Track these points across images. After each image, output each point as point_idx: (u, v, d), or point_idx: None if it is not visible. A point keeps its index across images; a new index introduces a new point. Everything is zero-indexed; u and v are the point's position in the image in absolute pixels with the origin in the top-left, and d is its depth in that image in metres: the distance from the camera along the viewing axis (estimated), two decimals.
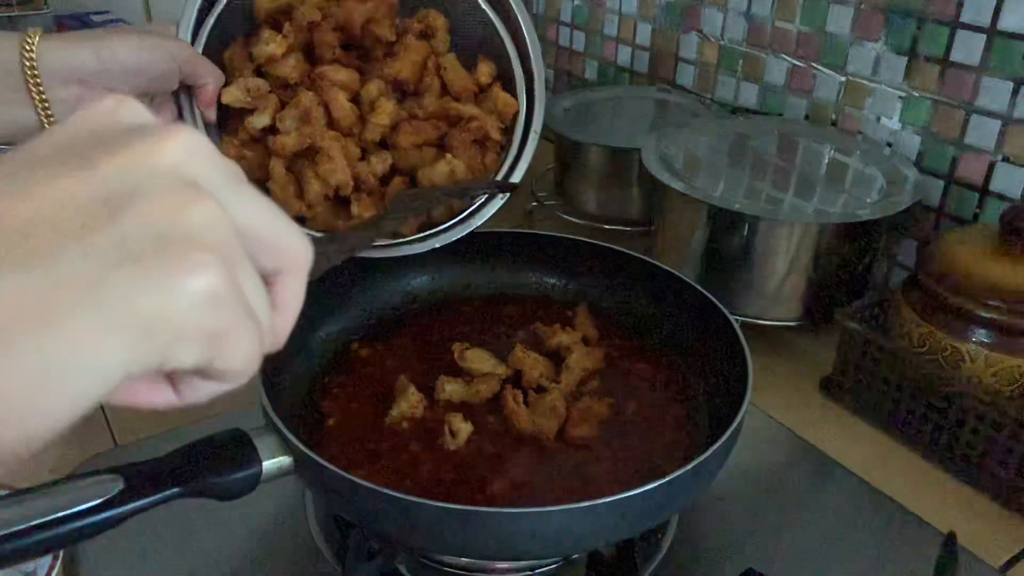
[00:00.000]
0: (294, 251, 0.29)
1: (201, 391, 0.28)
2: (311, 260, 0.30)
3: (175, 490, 0.42)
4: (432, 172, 0.57)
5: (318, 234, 0.57)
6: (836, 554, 0.58)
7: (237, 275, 0.25)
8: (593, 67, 1.29)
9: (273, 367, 0.55)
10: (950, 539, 0.56)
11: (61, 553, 0.51)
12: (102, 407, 0.71)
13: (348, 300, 0.67)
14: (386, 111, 0.56)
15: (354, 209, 0.56)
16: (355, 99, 0.58)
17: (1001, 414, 0.62)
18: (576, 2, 1.28)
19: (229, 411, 0.69)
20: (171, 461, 0.44)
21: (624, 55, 1.21)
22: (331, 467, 0.45)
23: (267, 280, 0.28)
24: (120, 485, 0.41)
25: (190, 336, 0.24)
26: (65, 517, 0.39)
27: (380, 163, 0.57)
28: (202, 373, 0.26)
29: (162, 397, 0.28)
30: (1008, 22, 0.74)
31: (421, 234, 0.57)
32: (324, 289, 0.64)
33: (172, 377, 0.28)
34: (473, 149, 0.58)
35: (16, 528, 0.38)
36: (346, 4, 0.56)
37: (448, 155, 0.57)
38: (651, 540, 0.57)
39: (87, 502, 0.40)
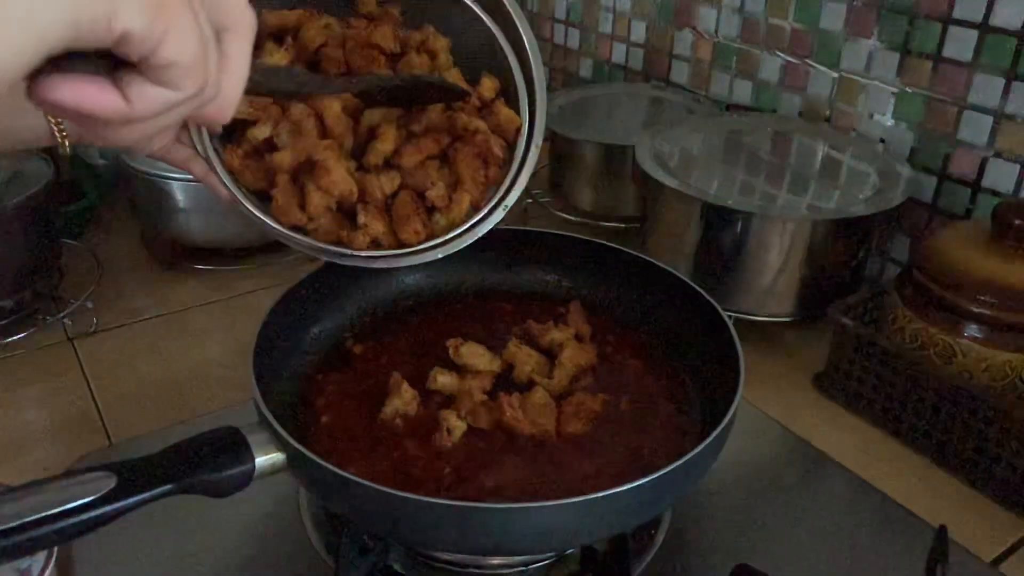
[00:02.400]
0: (237, 10, 0.32)
1: (148, 96, 0.29)
2: (254, 26, 0.33)
3: (168, 487, 0.42)
4: (453, 210, 0.57)
5: (320, 244, 0.56)
6: (828, 548, 0.58)
7: None
8: (588, 65, 1.29)
9: (267, 364, 0.55)
10: (941, 533, 0.56)
11: (55, 550, 0.51)
12: (96, 405, 0.72)
13: (342, 297, 0.67)
14: (389, 137, 0.56)
15: (360, 219, 0.56)
16: (354, 115, 0.57)
17: (992, 409, 0.62)
18: None
19: (223, 408, 0.70)
20: (164, 458, 0.44)
21: (619, 52, 1.22)
22: (325, 464, 0.45)
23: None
24: (113, 482, 0.41)
25: None
26: (59, 514, 0.39)
27: (388, 182, 0.57)
28: (149, 65, 0.28)
29: (111, 98, 0.29)
30: (1000, 18, 0.75)
31: (426, 244, 0.57)
32: (318, 286, 0.64)
33: (120, 84, 0.29)
34: (477, 162, 0.58)
35: (10, 525, 0.38)
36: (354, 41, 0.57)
37: (463, 187, 0.57)
38: (644, 534, 0.58)
39: (81, 499, 0.40)
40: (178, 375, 0.77)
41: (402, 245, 0.57)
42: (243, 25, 0.32)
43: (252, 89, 0.35)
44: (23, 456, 0.67)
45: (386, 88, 0.55)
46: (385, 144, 0.56)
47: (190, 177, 0.86)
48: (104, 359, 0.79)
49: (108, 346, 0.81)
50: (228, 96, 0.33)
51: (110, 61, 0.28)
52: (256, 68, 0.35)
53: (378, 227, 0.56)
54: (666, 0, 1.10)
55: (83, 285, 0.88)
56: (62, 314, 0.83)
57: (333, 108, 0.55)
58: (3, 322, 0.81)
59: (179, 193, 0.88)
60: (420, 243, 0.57)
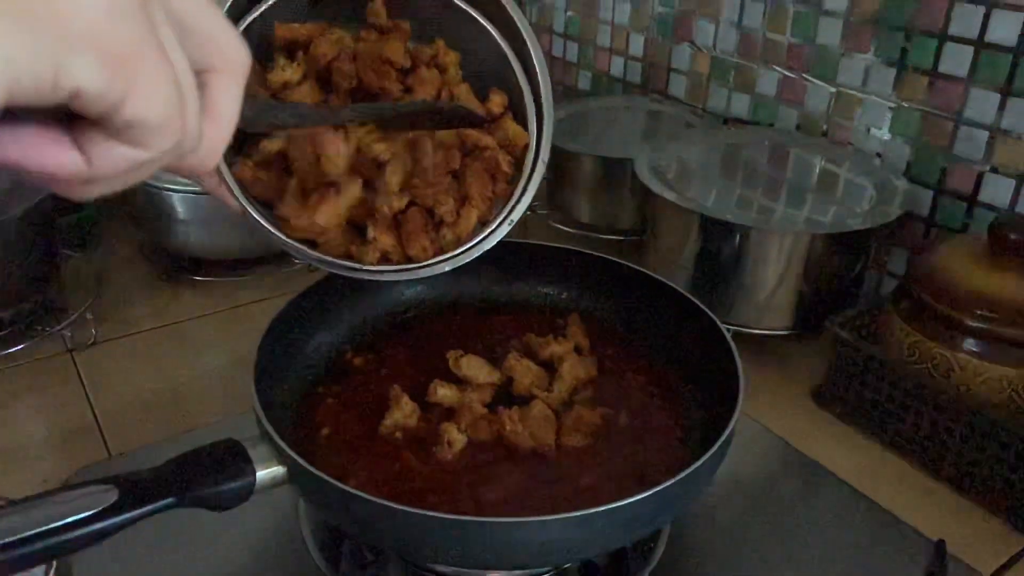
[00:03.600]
0: (227, 48, 0.28)
1: (112, 156, 0.24)
2: (247, 66, 0.28)
3: (169, 500, 0.42)
4: (460, 226, 0.57)
5: (329, 258, 0.56)
6: (827, 561, 0.58)
7: (151, 8, 0.23)
8: (586, 77, 1.29)
9: (268, 376, 0.55)
10: (940, 547, 0.56)
11: (55, 564, 0.51)
12: (96, 416, 0.72)
13: (342, 309, 0.67)
14: (396, 179, 0.56)
15: (370, 233, 0.56)
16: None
17: (990, 423, 0.62)
18: (569, 12, 1.28)
19: (223, 421, 0.70)
20: (165, 471, 0.44)
21: (617, 65, 1.22)
22: (325, 477, 0.45)
23: (198, 79, 0.26)
24: (114, 496, 0.41)
25: (86, 44, 0.21)
26: (59, 528, 0.39)
27: (397, 201, 0.57)
28: (111, 124, 0.23)
29: (67, 157, 0.24)
30: (995, 34, 0.75)
31: (435, 260, 0.57)
32: (318, 298, 0.65)
33: (79, 138, 0.24)
34: (485, 177, 0.58)
35: (9, 539, 0.38)
36: (365, 54, 0.56)
37: (471, 203, 0.57)
38: (644, 549, 0.58)
39: (81, 513, 0.40)
40: (178, 387, 0.77)
41: (409, 260, 0.57)
42: (233, 65, 0.28)
43: (245, 127, 0.32)
44: (22, 468, 0.66)
45: (398, 115, 0.54)
46: (392, 185, 0.56)
47: (190, 188, 0.87)
48: (104, 371, 0.79)
49: (108, 357, 0.81)
50: (212, 146, 0.28)
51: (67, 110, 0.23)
52: (249, 104, 0.31)
53: (387, 241, 0.56)
54: (664, 14, 1.11)
55: (83, 296, 0.88)
56: (61, 325, 0.83)
57: (335, 151, 0.54)
58: (2, 333, 0.81)
59: (179, 204, 0.88)
60: (428, 259, 0.57)
